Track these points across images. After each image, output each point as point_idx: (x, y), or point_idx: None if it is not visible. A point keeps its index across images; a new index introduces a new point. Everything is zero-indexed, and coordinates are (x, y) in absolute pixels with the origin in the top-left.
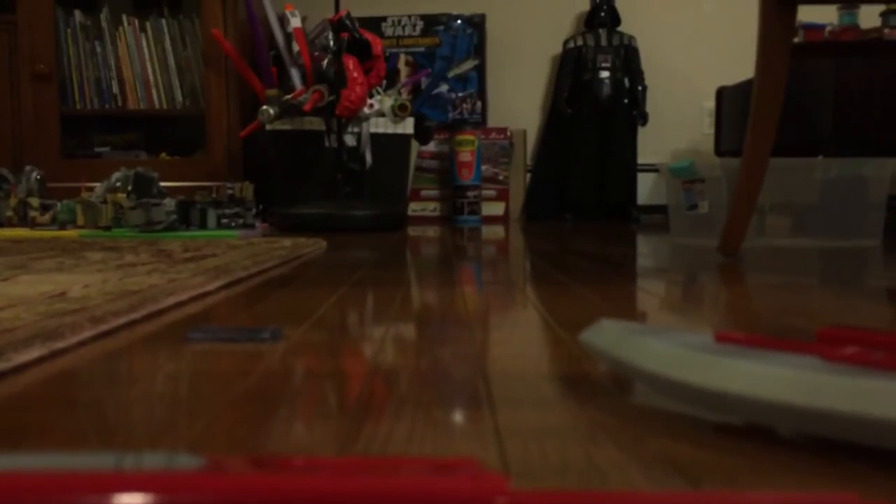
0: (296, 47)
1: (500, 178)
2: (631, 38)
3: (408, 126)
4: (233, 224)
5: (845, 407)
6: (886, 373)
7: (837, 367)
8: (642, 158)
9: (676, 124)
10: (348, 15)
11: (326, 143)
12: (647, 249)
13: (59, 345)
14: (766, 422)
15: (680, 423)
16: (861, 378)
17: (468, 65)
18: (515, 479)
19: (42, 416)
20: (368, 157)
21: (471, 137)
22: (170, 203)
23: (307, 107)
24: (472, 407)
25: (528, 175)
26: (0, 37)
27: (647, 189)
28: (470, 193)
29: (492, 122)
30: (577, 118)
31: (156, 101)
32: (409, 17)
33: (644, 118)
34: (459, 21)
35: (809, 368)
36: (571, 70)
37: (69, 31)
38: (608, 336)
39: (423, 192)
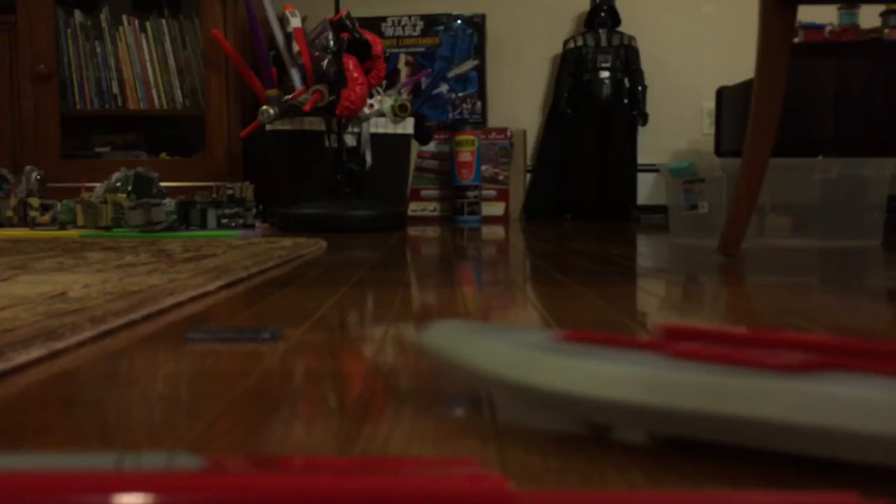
0: (296, 47)
1: (500, 178)
2: (631, 38)
3: (408, 126)
4: (233, 224)
5: (682, 403)
6: (726, 368)
7: (678, 364)
8: (642, 158)
9: (676, 124)
10: (348, 15)
11: (326, 143)
12: (647, 249)
13: (59, 345)
14: (605, 421)
15: None
16: (699, 374)
17: (468, 65)
18: (515, 479)
19: (42, 416)
20: (368, 157)
21: (471, 137)
22: (170, 203)
23: (307, 107)
24: (472, 407)
25: (528, 175)
26: (0, 37)
27: (647, 189)
28: (470, 193)
29: (492, 122)
30: (577, 118)
31: (156, 102)
32: (409, 17)
33: (644, 118)
34: (459, 21)
35: (646, 365)
36: (571, 70)
37: (69, 31)
38: (446, 338)
39: (423, 192)
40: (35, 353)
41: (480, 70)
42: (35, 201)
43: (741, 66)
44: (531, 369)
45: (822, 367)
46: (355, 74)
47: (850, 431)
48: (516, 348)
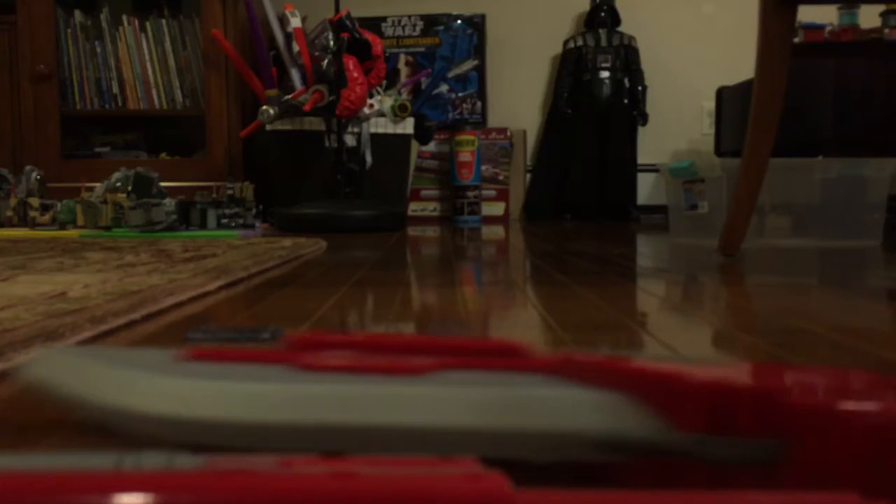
0: (296, 47)
1: (500, 178)
2: (631, 38)
3: (408, 126)
4: (233, 224)
5: (307, 417)
6: (352, 377)
7: (304, 376)
8: (642, 158)
9: (676, 124)
10: (348, 15)
11: (326, 143)
12: (647, 249)
13: (59, 345)
14: (225, 443)
15: None
16: (324, 385)
17: (468, 65)
18: (514, 478)
19: (42, 416)
20: (368, 157)
21: (471, 137)
22: (170, 203)
23: (307, 107)
24: None
25: (528, 175)
26: (0, 37)
27: (647, 189)
28: (470, 193)
29: (492, 122)
30: (577, 118)
31: (156, 102)
32: (409, 17)
33: (644, 118)
34: (459, 21)
35: (271, 380)
36: (571, 70)
37: (69, 31)
38: (52, 367)
39: (423, 192)
40: (35, 353)
41: (480, 70)
42: (35, 201)
43: (741, 66)
44: (141, 394)
45: (443, 368)
46: (355, 74)
47: (470, 428)
48: (127, 371)
